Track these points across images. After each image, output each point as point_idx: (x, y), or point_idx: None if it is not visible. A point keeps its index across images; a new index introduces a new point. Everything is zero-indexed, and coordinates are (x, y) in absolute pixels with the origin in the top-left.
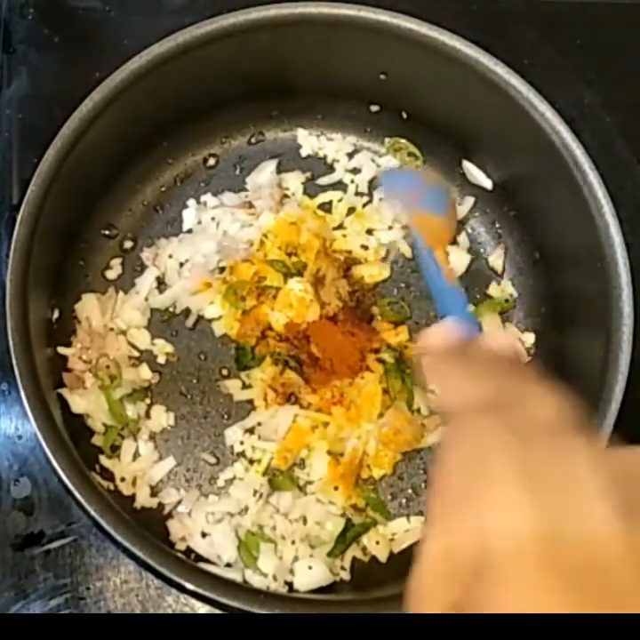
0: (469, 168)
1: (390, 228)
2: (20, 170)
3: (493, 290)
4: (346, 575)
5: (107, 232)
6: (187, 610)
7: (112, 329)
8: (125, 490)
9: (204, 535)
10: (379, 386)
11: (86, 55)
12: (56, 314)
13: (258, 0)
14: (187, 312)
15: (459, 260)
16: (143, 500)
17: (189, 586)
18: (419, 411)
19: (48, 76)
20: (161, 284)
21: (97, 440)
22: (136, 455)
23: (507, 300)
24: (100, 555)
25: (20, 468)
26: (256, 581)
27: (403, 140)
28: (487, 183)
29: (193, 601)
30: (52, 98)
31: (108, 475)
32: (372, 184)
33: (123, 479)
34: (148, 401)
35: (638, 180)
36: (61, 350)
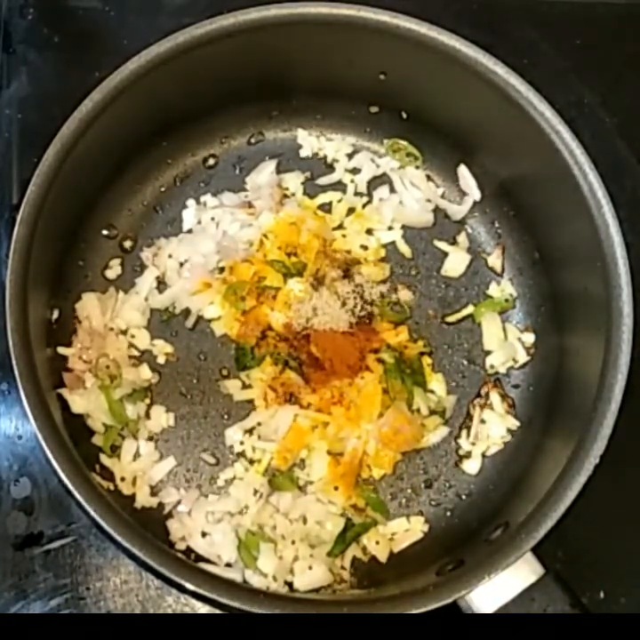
0: (464, 175)
1: (390, 228)
2: (19, 170)
3: (493, 290)
4: (346, 575)
5: (106, 232)
6: (187, 610)
7: (112, 329)
8: (125, 489)
9: (203, 535)
10: (378, 386)
11: (86, 55)
12: (56, 314)
13: (258, 0)
14: (186, 312)
15: (458, 259)
16: (143, 499)
17: (189, 586)
18: (418, 411)
19: (48, 75)
20: (161, 283)
21: (97, 440)
22: (136, 455)
23: (506, 300)
24: (100, 555)
25: (19, 468)
26: (256, 581)
27: (402, 142)
28: (476, 194)
29: (193, 601)
30: (51, 98)
31: (107, 474)
32: (371, 184)
33: (123, 479)
34: (147, 401)
35: (638, 180)
36: (61, 350)
